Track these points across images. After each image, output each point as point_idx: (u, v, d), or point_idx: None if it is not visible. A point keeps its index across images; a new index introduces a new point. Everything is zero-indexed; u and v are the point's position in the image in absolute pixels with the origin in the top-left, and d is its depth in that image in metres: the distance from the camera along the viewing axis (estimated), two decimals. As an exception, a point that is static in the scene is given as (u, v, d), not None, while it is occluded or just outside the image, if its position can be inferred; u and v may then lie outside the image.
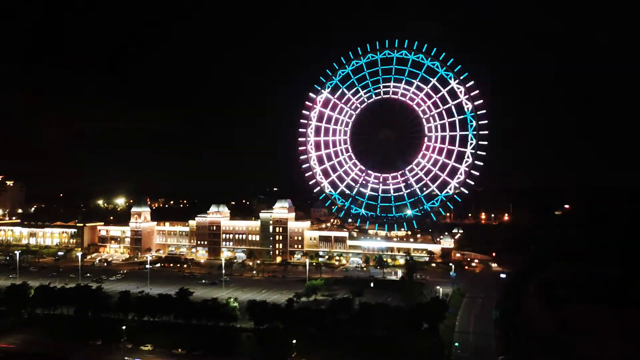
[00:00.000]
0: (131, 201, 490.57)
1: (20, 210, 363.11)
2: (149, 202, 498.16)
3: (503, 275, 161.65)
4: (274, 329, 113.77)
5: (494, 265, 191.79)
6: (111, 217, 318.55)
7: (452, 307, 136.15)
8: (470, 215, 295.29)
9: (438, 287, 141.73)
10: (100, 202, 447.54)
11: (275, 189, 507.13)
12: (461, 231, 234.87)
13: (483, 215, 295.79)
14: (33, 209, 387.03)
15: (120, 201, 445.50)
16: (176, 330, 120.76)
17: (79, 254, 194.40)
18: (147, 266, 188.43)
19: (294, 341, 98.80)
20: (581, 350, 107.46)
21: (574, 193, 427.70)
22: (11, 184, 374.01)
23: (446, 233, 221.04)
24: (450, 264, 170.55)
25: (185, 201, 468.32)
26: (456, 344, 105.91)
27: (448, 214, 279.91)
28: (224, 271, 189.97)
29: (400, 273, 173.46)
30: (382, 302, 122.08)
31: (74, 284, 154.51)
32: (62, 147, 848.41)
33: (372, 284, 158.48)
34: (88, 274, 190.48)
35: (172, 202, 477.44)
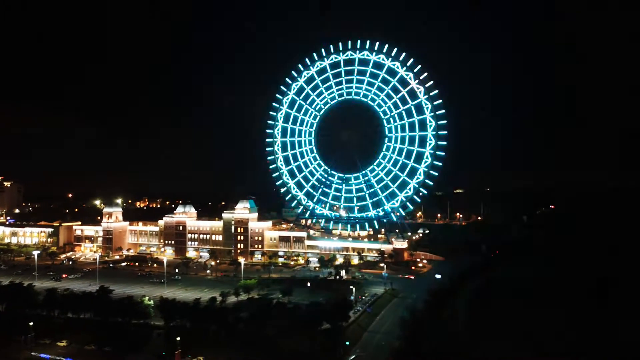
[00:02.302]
0: (129, 201, 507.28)
1: (17, 211, 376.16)
2: (147, 202, 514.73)
3: (438, 276, 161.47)
4: (181, 326, 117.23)
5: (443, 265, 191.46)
6: (98, 217, 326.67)
7: (373, 307, 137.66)
8: (439, 215, 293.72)
9: (352, 287, 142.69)
10: (98, 202, 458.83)
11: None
12: (427, 231, 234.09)
13: (458, 215, 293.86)
14: (29, 209, 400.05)
15: (118, 201, 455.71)
16: (95, 327, 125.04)
17: (36, 253, 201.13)
18: (98, 265, 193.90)
19: (178, 338, 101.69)
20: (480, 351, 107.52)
21: (568, 193, 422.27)
22: (9, 185, 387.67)
23: (409, 233, 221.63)
24: (382, 265, 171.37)
25: (180, 201, 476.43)
26: (347, 342, 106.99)
27: (419, 214, 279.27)
28: (177, 270, 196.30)
29: (343, 273, 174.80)
30: (285, 301, 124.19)
31: (29, 282, 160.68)
32: (64, 148, 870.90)
33: (308, 284, 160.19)
34: (51, 272, 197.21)
35: (167, 202, 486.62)
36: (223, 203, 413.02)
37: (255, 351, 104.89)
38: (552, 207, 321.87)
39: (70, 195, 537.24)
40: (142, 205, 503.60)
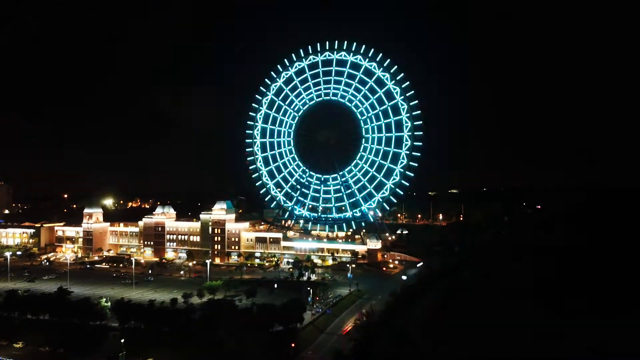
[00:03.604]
0: (121, 202, 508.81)
1: (6, 211, 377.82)
2: (139, 203, 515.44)
3: (404, 277, 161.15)
4: (136, 328, 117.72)
5: (419, 265, 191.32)
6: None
7: (335, 309, 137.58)
8: (419, 216, 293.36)
9: (309, 288, 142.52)
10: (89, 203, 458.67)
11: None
12: (405, 232, 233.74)
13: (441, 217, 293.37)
14: (19, 210, 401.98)
15: (109, 202, 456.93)
16: (53, 328, 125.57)
17: (8, 254, 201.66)
18: (69, 266, 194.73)
19: (122, 340, 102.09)
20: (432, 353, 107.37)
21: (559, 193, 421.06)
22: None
23: (387, 234, 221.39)
24: (350, 266, 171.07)
25: (169, 202, 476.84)
26: (293, 344, 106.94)
27: (400, 215, 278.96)
28: (150, 271, 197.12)
29: (310, 274, 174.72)
30: (248, 303, 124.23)
31: None
32: (58, 148, 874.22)
33: (275, 285, 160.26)
34: (27, 273, 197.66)
35: (158, 202, 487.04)
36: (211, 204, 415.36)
37: (204, 353, 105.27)
38: (539, 207, 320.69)
39: (65, 196, 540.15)
40: (134, 205, 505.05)
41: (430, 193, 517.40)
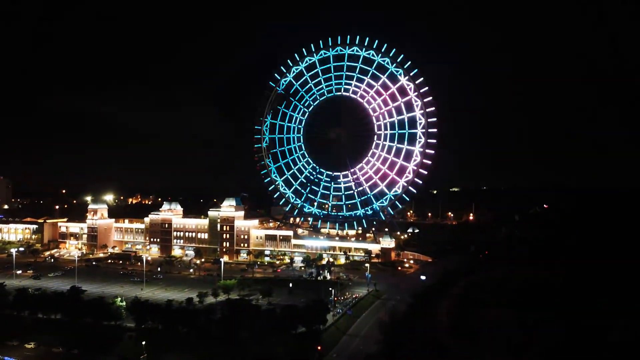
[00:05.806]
0: (121, 197, 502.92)
1: (6, 206, 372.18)
2: (139, 199, 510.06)
3: (423, 277, 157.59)
4: (153, 328, 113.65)
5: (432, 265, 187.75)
6: (87, 214, 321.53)
7: (355, 309, 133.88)
8: (430, 214, 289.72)
9: (331, 289, 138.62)
10: (88, 198, 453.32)
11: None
12: (416, 230, 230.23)
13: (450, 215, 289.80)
14: (18, 205, 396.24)
15: (110, 197, 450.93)
16: (65, 328, 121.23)
17: (13, 251, 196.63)
18: (76, 263, 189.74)
19: (144, 343, 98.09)
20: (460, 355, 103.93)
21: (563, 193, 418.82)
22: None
23: (398, 232, 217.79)
24: (366, 265, 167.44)
25: (170, 197, 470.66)
26: (319, 347, 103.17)
27: (410, 213, 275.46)
28: (159, 269, 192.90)
29: (326, 273, 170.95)
30: (264, 302, 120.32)
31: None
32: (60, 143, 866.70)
33: (290, 284, 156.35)
34: (31, 270, 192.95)
35: (159, 199, 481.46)
36: (215, 200, 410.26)
37: (226, 355, 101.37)
38: (546, 206, 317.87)
39: (64, 191, 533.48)
40: (135, 201, 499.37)
41: (432, 191, 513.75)
